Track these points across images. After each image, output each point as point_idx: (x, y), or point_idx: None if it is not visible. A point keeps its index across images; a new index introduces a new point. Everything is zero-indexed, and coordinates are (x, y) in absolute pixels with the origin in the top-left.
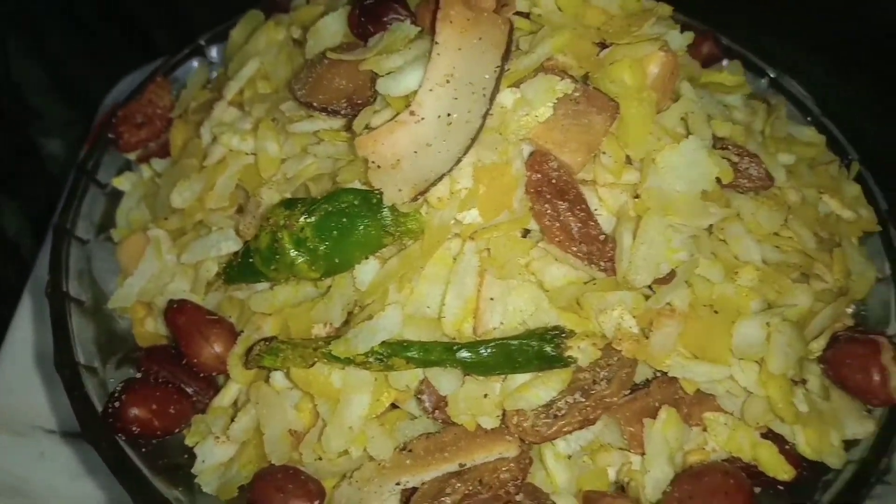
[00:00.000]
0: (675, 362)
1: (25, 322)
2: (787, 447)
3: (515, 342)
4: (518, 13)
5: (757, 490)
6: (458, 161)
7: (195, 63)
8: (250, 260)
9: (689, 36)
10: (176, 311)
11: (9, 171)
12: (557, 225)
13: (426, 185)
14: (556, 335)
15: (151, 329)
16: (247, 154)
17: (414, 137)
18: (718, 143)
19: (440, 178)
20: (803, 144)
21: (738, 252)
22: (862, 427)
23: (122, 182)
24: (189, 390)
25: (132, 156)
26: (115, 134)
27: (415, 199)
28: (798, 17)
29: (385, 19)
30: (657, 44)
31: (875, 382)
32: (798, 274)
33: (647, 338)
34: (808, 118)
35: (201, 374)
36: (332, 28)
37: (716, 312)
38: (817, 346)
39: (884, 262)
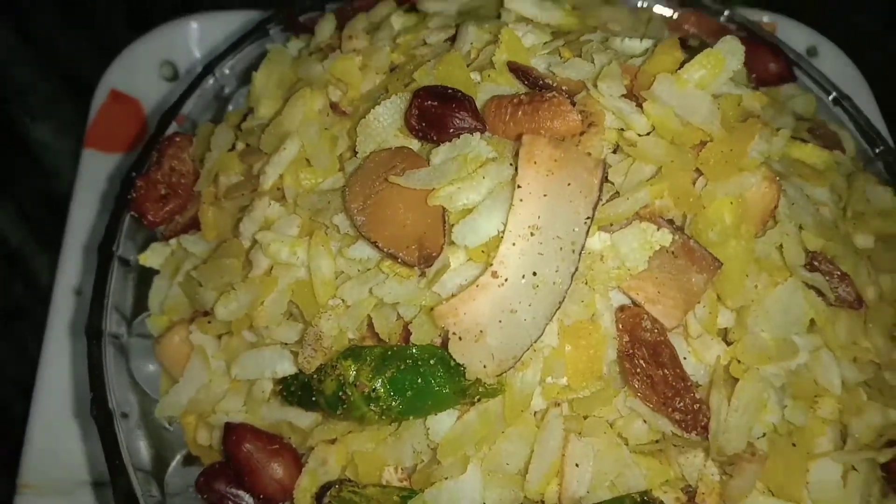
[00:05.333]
0: (751, 501)
1: (55, 366)
2: None
3: None
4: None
5: None
6: (545, 327)
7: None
8: (312, 397)
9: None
10: (236, 443)
11: None
12: (650, 391)
13: (513, 362)
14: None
15: (205, 442)
16: (296, 266)
17: (497, 303)
18: (808, 257)
19: (527, 350)
20: (882, 218)
21: (817, 375)
22: None
23: (149, 258)
24: None
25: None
26: (138, 212)
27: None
28: None
29: (450, 130)
30: (759, 172)
31: None
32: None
33: (728, 477)
34: (876, 151)
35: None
36: (386, 121)
37: (793, 445)
38: (883, 458)
39: None
